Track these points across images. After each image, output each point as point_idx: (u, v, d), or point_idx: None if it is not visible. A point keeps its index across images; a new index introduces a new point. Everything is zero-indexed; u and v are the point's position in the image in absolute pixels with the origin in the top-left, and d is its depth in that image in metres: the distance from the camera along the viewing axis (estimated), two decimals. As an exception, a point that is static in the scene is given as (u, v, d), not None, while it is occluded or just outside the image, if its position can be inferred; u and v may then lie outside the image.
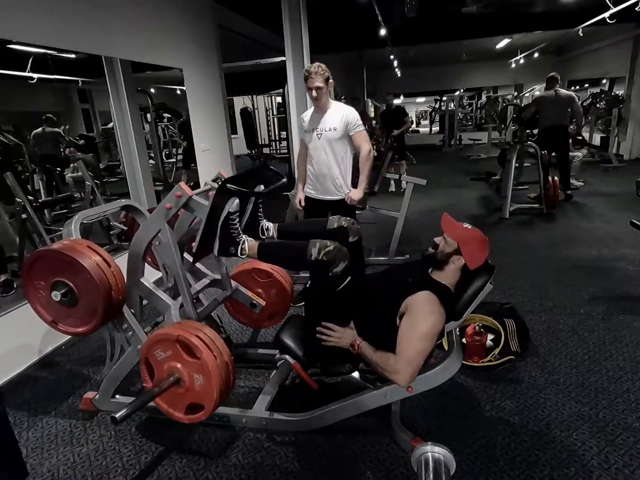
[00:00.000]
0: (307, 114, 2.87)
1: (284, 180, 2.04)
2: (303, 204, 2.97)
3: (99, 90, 3.87)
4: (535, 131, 8.98)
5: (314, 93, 2.61)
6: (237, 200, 1.69)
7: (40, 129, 4.14)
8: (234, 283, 2.15)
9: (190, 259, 2.06)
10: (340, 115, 2.72)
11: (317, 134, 2.76)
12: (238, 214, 1.72)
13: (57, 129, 4.23)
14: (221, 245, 1.73)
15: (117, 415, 1.36)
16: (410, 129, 7.09)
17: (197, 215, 1.73)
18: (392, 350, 1.55)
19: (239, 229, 1.75)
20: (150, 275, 2.07)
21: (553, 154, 5.64)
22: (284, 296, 2.31)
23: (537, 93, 11.38)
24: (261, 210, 1.95)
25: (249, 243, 1.74)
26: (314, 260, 1.59)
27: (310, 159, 2.86)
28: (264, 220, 1.95)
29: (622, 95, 9.04)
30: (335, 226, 1.83)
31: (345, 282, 1.63)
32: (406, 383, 1.52)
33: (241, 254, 1.73)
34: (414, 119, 21.21)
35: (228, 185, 1.62)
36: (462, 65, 13.71)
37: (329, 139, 2.74)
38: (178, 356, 1.53)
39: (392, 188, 6.77)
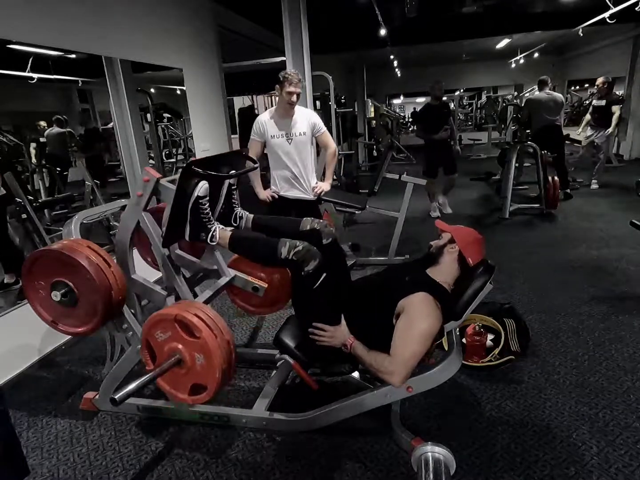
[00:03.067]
0: (268, 119, 2.85)
1: (256, 165, 2.04)
2: (273, 197, 3.00)
3: (99, 90, 3.87)
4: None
5: (294, 98, 2.71)
6: (206, 185, 1.68)
7: (48, 130, 4.17)
8: (231, 270, 2.14)
9: (185, 254, 2.06)
10: (306, 119, 2.87)
11: (287, 139, 2.84)
12: (208, 198, 1.71)
13: (65, 130, 4.25)
14: (192, 230, 1.73)
15: (116, 396, 1.34)
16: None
17: (164, 199, 1.71)
18: (386, 350, 1.56)
19: (210, 214, 1.74)
20: (150, 276, 2.07)
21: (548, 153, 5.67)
22: (287, 279, 2.21)
23: (527, 95, 11.40)
24: (235, 197, 1.94)
25: (220, 231, 1.74)
26: (284, 259, 1.62)
27: (278, 162, 2.91)
28: (239, 209, 1.94)
29: (622, 95, 9.04)
30: (307, 228, 1.80)
31: (321, 280, 1.64)
32: (400, 384, 1.52)
33: (211, 241, 1.73)
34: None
35: (193, 167, 1.61)
36: (462, 65, 13.69)
37: (299, 142, 2.86)
38: (178, 336, 1.51)
39: (437, 213, 5.34)
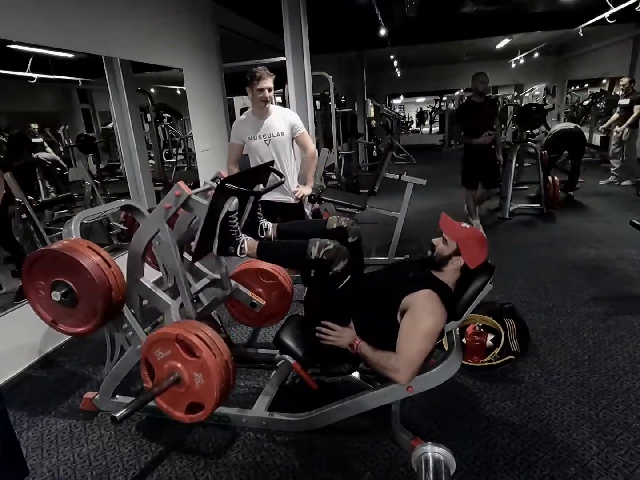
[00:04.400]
0: (244, 121, 2.78)
1: (283, 179, 2.05)
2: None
3: (99, 90, 3.86)
4: (536, 131, 9.05)
5: (267, 94, 2.59)
6: (236, 200, 1.69)
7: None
8: (233, 283, 2.16)
9: (190, 258, 2.06)
10: (283, 118, 2.74)
11: (264, 141, 2.73)
12: (237, 213, 1.72)
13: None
14: (220, 244, 1.73)
15: (117, 415, 1.36)
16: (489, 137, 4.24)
17: (196, 214, 1.73)
18: (391, 348, 1.55)
19: (239, 228, 1.75)
20: (150, 276, 2.07)
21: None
22: (284, 296, 2.31)
23: (537, 93, 11.39)
24: (260, 209, 1.95)
25: (248, 242, 1.74)
26: (314, 259, 1.60)
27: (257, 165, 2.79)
28: (263, 220, 1.94)
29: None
30: (334, 226, 1.82)
31: (345, 281, 1.64)
32: (407, 382, 1.52)
33: (240, 254, 1.74)
34: (414, 119, 21.21)
35: (227, 184, 1.62)
36: (462, 65, 13.68)
37: (278, 143, 2.74)
38: (178, 355, 1.53)
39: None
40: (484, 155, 4.28)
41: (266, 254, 1.80)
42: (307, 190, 2.92)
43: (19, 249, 3.04)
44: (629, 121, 6.08)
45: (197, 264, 2.09)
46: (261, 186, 1.88)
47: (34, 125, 4.04)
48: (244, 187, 1.72)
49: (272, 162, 2.14)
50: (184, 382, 1.53)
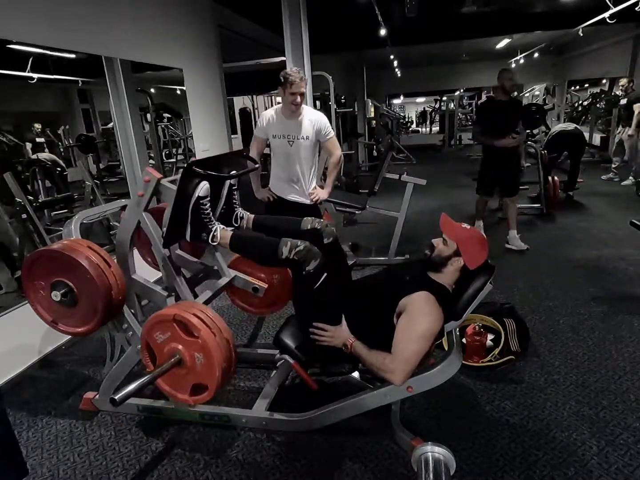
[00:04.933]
0: (272, 117, 2.74)
1: (257, 165, 2.03)
2: (273, 198, 2.90)
3: (99, 90, 3.86)
4: (536, 131, 9.05)
5: (298, 99, 2.57)
6: (207, 185, 1.68)
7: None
8: (231, 271, 2.14)
9: (185, 254, 2.06)
10: (312, 123, 2.72)
11: (288, 141, 2.71)
12: (209, 199, 1.71)
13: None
14: (192, 230, 1.73)
15: (116, 397, 1.34)
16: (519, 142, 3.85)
17: (165, 200, 1.71)
18: (387, 349, 1.56)
19: (211, 215, 1.74)
20: (150, 276, 2.07)
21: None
22: (287, 280, 2.21)
23: (537, 93, 11.38)
24: (236, 198, 1.93)
25: (221, 231, 1.74)
26: (285, 259, 1.61)
27: (278, 163, 2.82)
28: (239, 209, 1.93)
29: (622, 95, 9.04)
30: (308, 227, 1.80)
31: (321, 280, 1.65)
32: (401, 383, 1.52)
33: (212, 241, 1.73)
34: (414, 119, 21.19)
35: (194, 167, 1.61)
36: (462, 65, 13.69)
37: (301, 147, 2.73)
38: (177, 336, 1.51)
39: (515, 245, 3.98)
40: (505, 160, 3.85)
41: (238, 246, 1.80)
42: (323, 195, 2.89)
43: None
44: (635, 120, 6.06)
45: (191, 257, 2.08)
46: (234, 172, 1.86)
47: (37, 125, 4.06)
48: (216, 172, 1.70)
49: (247, 149, 2.10)
50: (185, 363, 1.51)
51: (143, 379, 1.42)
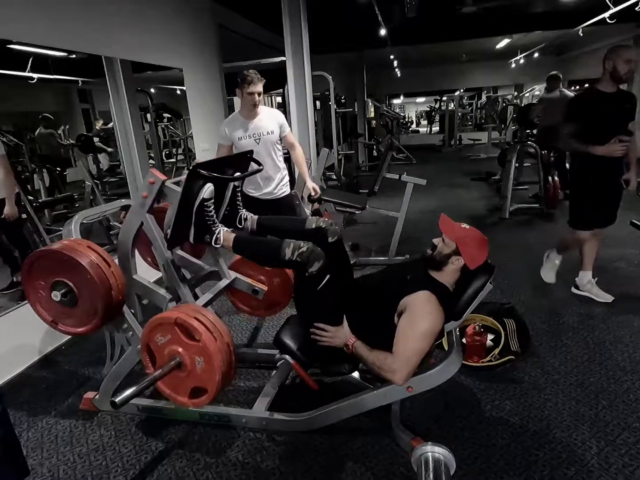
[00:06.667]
0: (233, 122, 2.82)
1: (261, 167, 2.04)
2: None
3: (99, 90, 3.87)
4: (536, 131, 9.04)
5: (257, 98, 2.67)
6: (211, 187, 1.68)
7: (38, 129, 4.14)
8: (232, 272, 2.14)
9: (186, 255, 2.06)
10: (272, 118, 2.83)
11: (255, 140, 2.78)
12: (213, 201, 1.71)
13: (51, 130, 4.22)
14: (196, 232, 1.73)
15: (117, 399, 1.34)
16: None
17: (169, 201, 1.71)
18: (387, 349, 1.56)
19: (214, 217, 1.74)
20: (151, 276, 2.07)
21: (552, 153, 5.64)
22: (287, 282, 2.24)
23: (537, 93, 11.38)
24: (239, 199, 1.94)
25: (224, 234, 1.74)
26: (288, 260, 1.61)
27: None
28: (243, 210, 1.94)
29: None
30: (313, 226, 1.80)
31: (325, 281, 1.64)
32: (403, 382, 1.52)
33: (215, 243, 1.73)
34: (414, 119, 21.19)
35: (199, 170, 1.61)
36: (462, 65, 13.70)
37: (268, 142, 2.82)
38: (178, 339, 1.51)
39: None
40: (610, 174, 2.68)
41: (242, 248, 1.79)
42: (315, 186, 2.99)
43: (26, 246, 3.04)
44: None
45: (193, 258, 2.08)
46: (238, 174, 1.86)
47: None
48: (220, 174, 1.70)
49: (251, 151, 2.14)
50: (185, 366, 1.51)
51: (143, 382, 1.43)
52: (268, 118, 2.81)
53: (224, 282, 2.07)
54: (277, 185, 2.93)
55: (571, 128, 2.68)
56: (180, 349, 1.51)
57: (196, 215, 1.70)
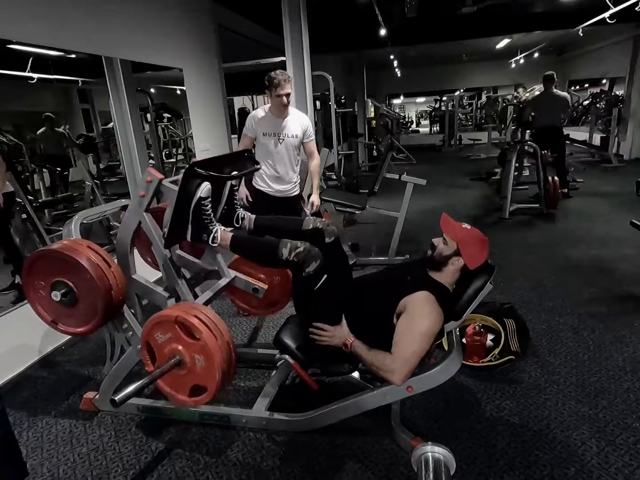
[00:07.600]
0: (262, 116, 2.86)
1: (259, 166, 2.04)
2: (250, 199, 3.00)
3: (99, 90, 3.87)
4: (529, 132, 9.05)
5: (285, 100, 2.70)
6: (208, 186, 1.67)
7: (42, 129, 4.14)
8: (232, 271, 2.14)
9: (185, 255, 2.06)
10: (299, 122, 2.89)
11: (278, 139, 2.85)
12: (210, 199, 1.71)
13: (61, 130, 4.23)
14: (193, 231, 1.72)
15: (116, 398, 1.33)
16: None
17: (167, 200, 1.71)
18: (387, 349, 1.56)
19: (212, 216, 1.74)
20: (150, 276, 2.07)
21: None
22: (287, 281, 2.22)
23: (537, 93, 11.38)
24: (237, 198, 1.95)
25: (221, 233, 1.74)
26: (285, 260, 1.62)
27: (267, 160, 2.92)
28: (240, 209, 1.94)
29: (622, 96, 9.04)
30: (310, 227, 1.80)
31: (322, 281, 1.65)
32: (401, 382, 1.52)
33: (212, 242, 1.73)
34: (414, 119, 21.17)
35: (196, 168, 1.61)
36: (462, 65, 13.70)
37: (290, 145, 2.88)
38: (178, 338, 1.51)
39: None
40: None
41: (238, 247, 1.80)
42: (317, 201, 3.04)
43: (15, 251, 3.03)
44: None
45: (192, 257, 2.08)
46: (235, 173, 1.86)
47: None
48: (217, 173, 1.70)
49: (249, 150, 2.15)
50: (185, 364, 1.51)
51: (143, 380, 1.42)
52: (295, 121, 2.87)
53: (223, 281, 2.07)
54: (288, 185, 3.02)
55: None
56: (180, 347, 1.51)
57: (193, 214, 1.69)
